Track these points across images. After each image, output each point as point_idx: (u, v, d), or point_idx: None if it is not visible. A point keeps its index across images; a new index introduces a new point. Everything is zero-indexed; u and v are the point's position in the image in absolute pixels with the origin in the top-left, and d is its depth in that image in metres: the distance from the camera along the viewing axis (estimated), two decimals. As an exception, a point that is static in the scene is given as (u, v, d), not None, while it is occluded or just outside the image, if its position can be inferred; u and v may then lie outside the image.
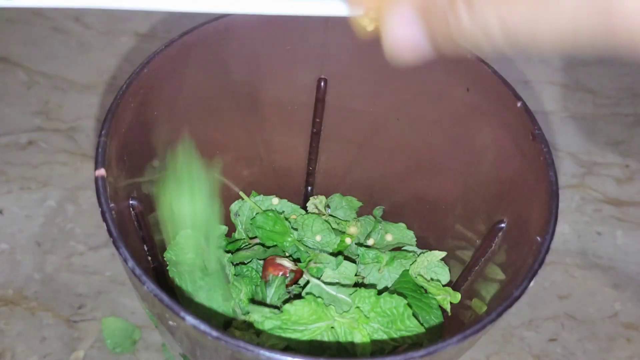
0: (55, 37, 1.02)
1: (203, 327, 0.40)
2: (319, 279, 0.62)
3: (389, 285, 0.65)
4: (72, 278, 0.76)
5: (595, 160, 0.93)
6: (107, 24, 1.05)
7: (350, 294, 0.60)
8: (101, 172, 0.47)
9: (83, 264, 0.77)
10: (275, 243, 0.67)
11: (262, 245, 0.67)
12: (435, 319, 0.61)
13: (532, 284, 0.46)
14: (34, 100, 0.93)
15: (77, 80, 0.96)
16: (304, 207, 0.72)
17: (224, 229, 0.68)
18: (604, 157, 0.94)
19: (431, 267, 0.66)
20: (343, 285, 0.62)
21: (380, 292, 0.60)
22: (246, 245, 0.68)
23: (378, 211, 0.73)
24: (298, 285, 0.64)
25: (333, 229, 0.67)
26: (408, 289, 0.63)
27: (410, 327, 0.58)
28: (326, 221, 0.67)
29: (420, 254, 0.66)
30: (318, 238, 0.66)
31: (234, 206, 0.71)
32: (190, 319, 0.40)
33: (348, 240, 0.67)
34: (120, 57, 1.00)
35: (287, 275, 0.62)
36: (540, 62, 1.06)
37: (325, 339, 0.56)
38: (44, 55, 0.99)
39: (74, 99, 0.94)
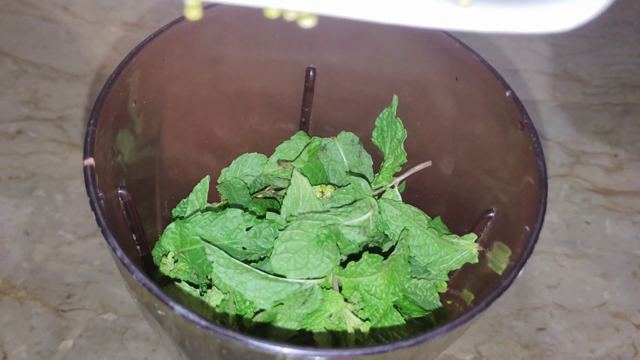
0: (44, 26, 1.01)
1: (192, 316, 0.40)
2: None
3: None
4: (61, 267, 0.75)
5: (584, 150, 0.94)
6: (96, 13, 1.04)
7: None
8: (90, 161, 0.47)
9: (72, 254, 0.77)
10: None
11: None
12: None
13: (520, 273, 0.46)
14: (22, 90, 0.92)
15: (65, 70, 0.96)
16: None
17: None
18: (593, 147, 0.94)
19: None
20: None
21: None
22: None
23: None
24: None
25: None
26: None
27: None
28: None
29: None
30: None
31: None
32: (179, 309, 0.40)
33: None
34: (109, 46, 1.00)
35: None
36: (529, 51, 1.06)
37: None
38: (32, 45, 0.98)
39: (62, 88, 0.93)
